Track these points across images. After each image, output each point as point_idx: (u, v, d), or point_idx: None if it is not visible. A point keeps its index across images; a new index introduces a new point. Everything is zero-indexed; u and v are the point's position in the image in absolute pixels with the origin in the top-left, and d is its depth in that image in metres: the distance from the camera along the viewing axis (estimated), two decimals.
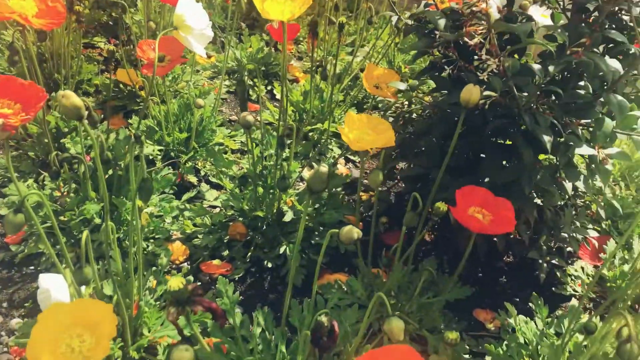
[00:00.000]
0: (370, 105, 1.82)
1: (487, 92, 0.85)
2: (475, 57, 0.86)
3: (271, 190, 1.23)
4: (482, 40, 0.72)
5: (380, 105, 1.75)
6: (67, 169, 1.18)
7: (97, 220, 1.14)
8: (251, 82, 1.85)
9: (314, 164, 0.61)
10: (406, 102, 1.29)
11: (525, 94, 0.87)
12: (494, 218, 0.80)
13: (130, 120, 1.51)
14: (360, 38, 1.95)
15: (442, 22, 0.92)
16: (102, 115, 1.65)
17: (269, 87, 1.86)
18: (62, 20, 1.05)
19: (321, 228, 1.22)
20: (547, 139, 0.85)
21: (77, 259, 1.15)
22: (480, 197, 0.83)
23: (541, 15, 1.11)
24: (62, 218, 1.17)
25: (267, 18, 0.97)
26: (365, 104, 1.82)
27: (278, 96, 1.82)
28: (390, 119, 1.31)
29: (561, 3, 1.16)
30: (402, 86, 1.02)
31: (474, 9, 0.69)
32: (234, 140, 1.51)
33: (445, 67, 0.96)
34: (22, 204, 0.77)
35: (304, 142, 1.52)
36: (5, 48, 1.71)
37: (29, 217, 0.79)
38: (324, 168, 0.67)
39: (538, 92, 0.88)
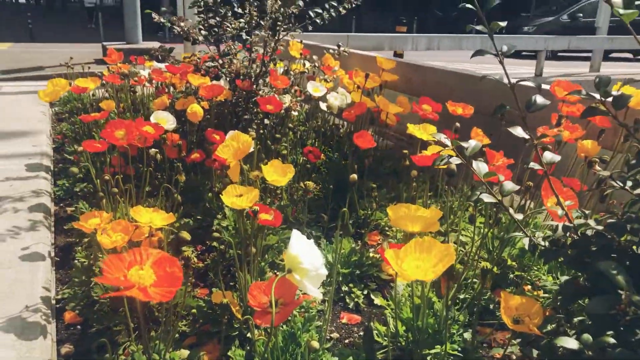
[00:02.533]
0: (478, 308, 1.65)
1: None
2: None
3: None
4: None
5: (497, 312, 1.57)
6: None
7: None
8: (347, 288, 1.74)
9: None
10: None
11: None
12: None
13: (230, 354, 1.38)
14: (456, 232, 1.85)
15: (622, 279, 0.78)
16: (196, 340, 1.56)
17: (365, 292, 1.73)
18: (179, 285, 0.98)
19: None
20: None
21: None
22: None
23: None
24: None
25: (407, 280, 0.87)
26: (476, 305, 1.65)
27: (376, 301, 1.68)
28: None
29: None
30: (574, 344, 0.86)
31: None
32: None
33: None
34: None
35: None
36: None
37: None
38: None
39: None
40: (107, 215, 1.59)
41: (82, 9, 17.21)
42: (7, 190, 2.37)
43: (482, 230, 1.86)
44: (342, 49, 3.29)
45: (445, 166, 1.50)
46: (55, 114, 4.01)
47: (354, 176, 1.37)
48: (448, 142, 1.17)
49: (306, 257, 1.10)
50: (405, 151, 1.86)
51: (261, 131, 2.67)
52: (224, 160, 1.82)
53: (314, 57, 3.31)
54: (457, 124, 2.12)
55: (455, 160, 1.15)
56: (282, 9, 2.48)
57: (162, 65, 3.33)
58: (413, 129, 1.83)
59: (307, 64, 3.31)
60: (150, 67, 3.58)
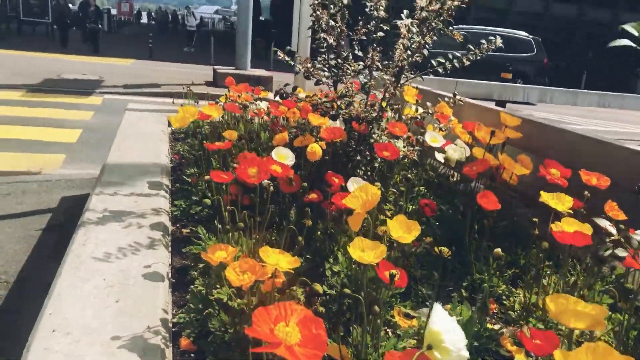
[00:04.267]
0: None
1: None
2: None
3: None
4: None
5: None
6: None
7: None
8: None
9: None
10: None
11: None
12: None
13: None
14: None
15: None
16: None
17: None
18: (325, 350, 0.97)
19: None
20: None
21: None
22: None
23: None
24: None
25: None
26: None
27: None
28: None
29: None
30: None
31: None
32: None
33: None
34: None
35: None
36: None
37: None
38: None
39: None
40: (232, 250, 1.63)
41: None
42: (131, 206, 2.53)
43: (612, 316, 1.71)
44: (457, 97, 3.24)
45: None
46: (171, 132, 4.27)
47: (498, 251, 1.31)
48: (613, 231, 1.08)
49: (449, 335, 1.05)
50: (535, 219, 1.76)
51: (371, 176, 2.67)
52: (342, 205, 1.83)
53: (428, 103, 3.28)
54: (587, 194, 1.98)
55: (622, 252, 1.06)
56: (409, 58, 2.49)
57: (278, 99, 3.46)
58: (547, 198, 1.73)
59: (420, 110, 3.28)
60: (264, 98, 3.74)
